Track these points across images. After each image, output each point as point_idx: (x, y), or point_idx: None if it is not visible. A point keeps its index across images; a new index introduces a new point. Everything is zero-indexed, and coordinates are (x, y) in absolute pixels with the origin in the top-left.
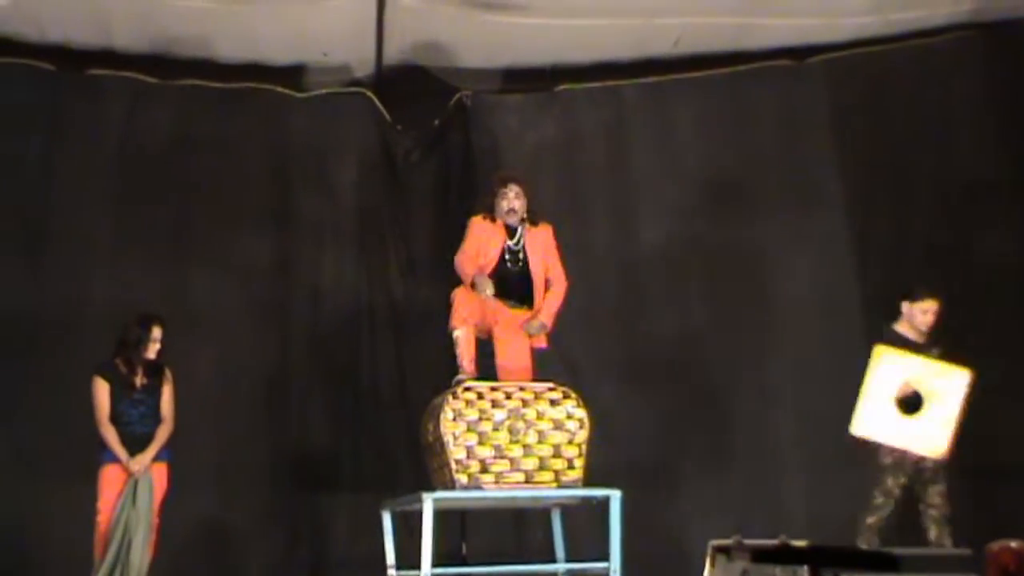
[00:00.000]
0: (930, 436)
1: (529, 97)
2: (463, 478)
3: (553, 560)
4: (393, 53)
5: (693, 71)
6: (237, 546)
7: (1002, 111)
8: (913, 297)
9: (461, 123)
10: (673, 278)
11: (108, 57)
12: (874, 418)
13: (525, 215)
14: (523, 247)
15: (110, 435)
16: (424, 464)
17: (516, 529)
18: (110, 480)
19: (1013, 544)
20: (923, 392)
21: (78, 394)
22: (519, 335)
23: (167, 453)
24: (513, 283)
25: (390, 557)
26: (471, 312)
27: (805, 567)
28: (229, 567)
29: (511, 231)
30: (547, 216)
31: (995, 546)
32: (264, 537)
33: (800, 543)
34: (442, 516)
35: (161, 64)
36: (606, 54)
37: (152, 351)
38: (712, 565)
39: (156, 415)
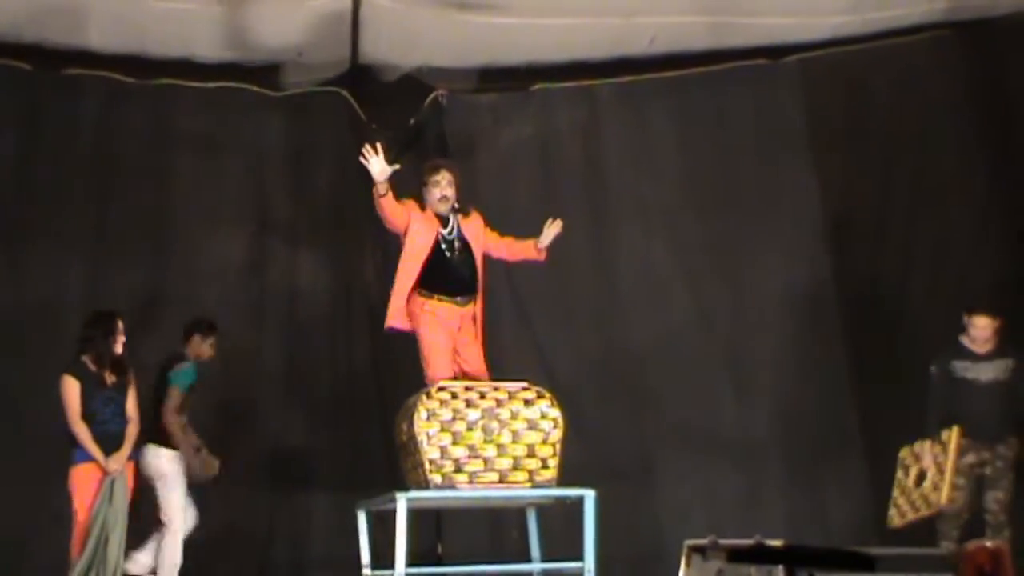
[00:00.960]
0: (934, 495)
1: (504, 96)
2: (437, 478)
3: (528, 560)
4: (368, 52)
5: (669, 70)
6: (212, 545)
7: (978, 109)
8: (970, 311)
9: (437, 122)
10: (649, 277)
11: (84, 57)
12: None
13: (456, 204)
14: (458, 236)
15: (83, 434)
16: (399, 464)
17: (491, 529)
18: (85, 479)
19: (988, 544)
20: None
21: (56, 393)
22: (474, 336)
23: (135, 451)
24: (454, 274)
25: (365, 557)
26: (441, 333)
27: (780, 567)
28: (204, 567)
29: (443, 221)
30: (520, 212)
31: (971, 546)
32: (239, 537)
33: (775, 543)
34: (418, 516)
35: (137, 64)
36: (581, 53)
37: (119, 344)
38: (687, 565)
39: (125, 413)
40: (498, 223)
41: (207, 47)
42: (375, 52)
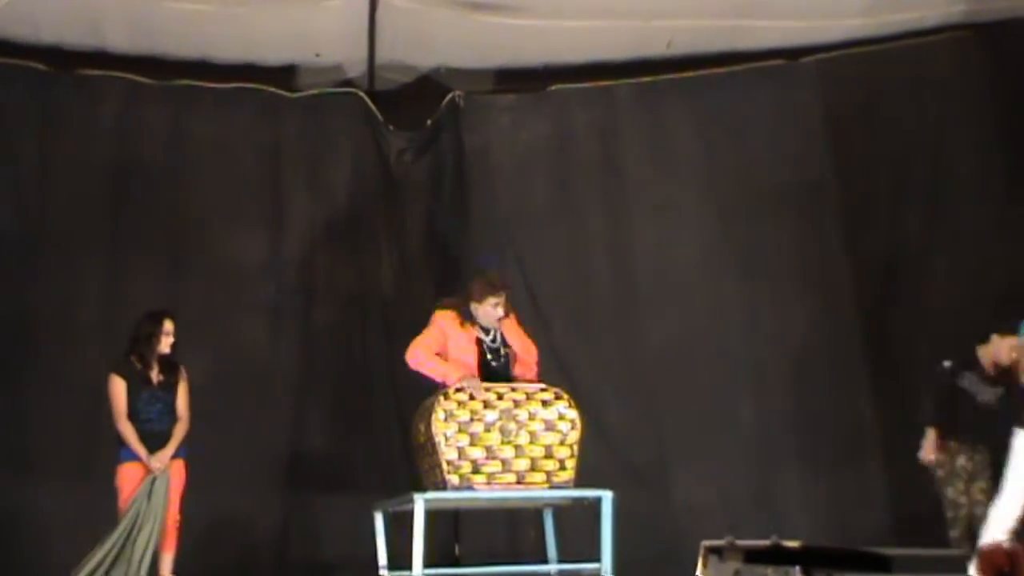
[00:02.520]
0: None
1: (522, 97)
2: (454, 479)
3: (545, 561)
4: (385, 53)
5: (686, 71)
6: (230, 546)
7: (995, 111)
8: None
9: (454, 123)
10: (667, 277)
11: (101, 58)
12: None
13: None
14: (501, 342)
15: (129, 432)
16: (416, 464)
17: (509, 529)
18: (129, 478)
19: (1005, 544)
20: None
21: (74, 393)
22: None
23: (183, 450)
24: (495, 377)
25: (382, 558)
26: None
27: (797, 568)
28: (221, 567)
29: (484, 329)
30: (538, 213)
31: (987, 546)
32: (257, 537)
33: (792, 543)
34: (435, 517)
35: (154, 64)
36: (599, 54)
37: (166, 345)
38: (704, 565)
39: (173, 412)
40: (515, 224)
41: (223, 48)
42: (392, 53)
